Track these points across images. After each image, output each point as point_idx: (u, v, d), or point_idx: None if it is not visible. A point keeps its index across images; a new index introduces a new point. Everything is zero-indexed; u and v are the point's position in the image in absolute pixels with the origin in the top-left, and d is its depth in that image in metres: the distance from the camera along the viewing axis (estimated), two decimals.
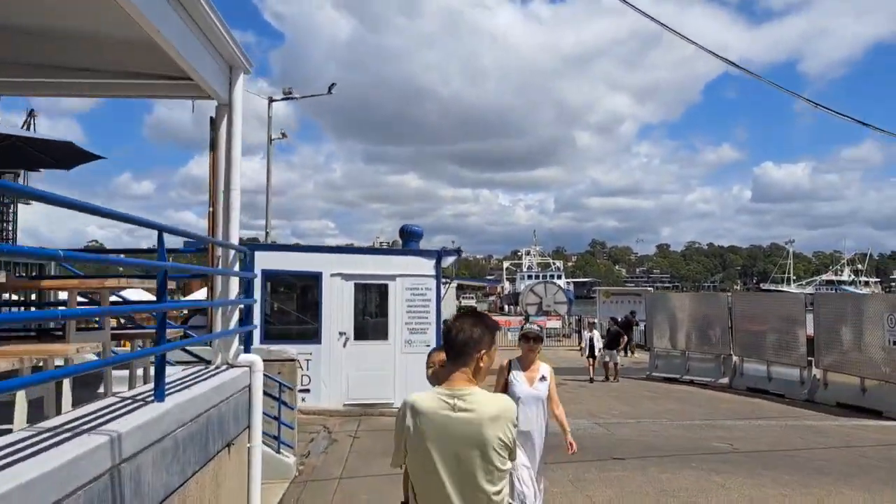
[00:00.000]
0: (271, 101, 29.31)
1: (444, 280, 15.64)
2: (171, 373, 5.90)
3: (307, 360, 14.13)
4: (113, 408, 4.10)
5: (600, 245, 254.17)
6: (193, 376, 5.72)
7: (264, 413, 9.29)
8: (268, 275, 14.13)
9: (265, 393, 9.32)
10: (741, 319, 20.43)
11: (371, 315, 15.07)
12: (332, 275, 14.33)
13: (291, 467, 9.23)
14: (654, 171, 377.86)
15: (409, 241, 15.30)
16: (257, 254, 14.20)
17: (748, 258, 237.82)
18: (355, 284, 14.51)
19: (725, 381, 20.52)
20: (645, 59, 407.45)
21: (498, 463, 2.91)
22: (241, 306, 6.79)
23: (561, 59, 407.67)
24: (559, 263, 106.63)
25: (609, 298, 33.01)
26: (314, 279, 14.34)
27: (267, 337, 14.07)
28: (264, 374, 9.24)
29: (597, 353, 21.34)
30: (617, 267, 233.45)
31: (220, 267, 6.51)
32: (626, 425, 13.62)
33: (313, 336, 14.27)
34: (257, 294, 14.21)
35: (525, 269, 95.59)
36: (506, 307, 72.33)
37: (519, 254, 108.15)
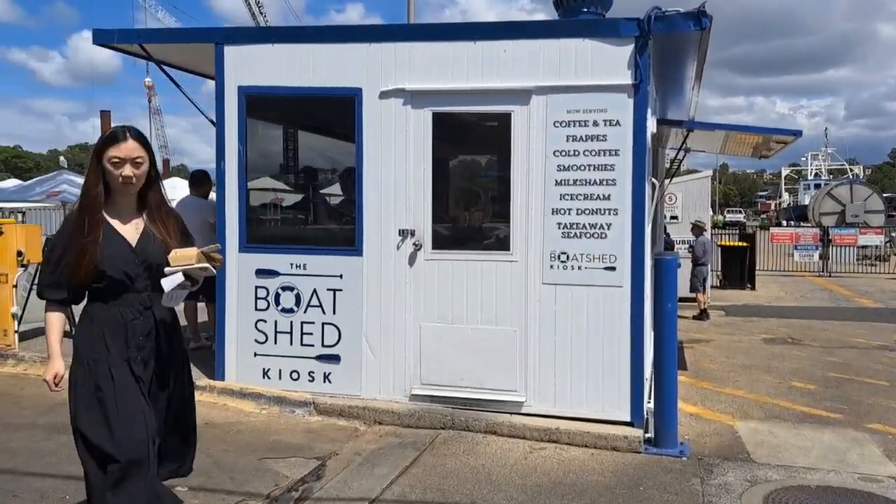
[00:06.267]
0: None
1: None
2: None
3: (333, 292, 6.31)
4: None
5: None
6: None
7: None
8: (251, 98, 6.35)
9: None
10: None
11: (471, 194, 6.66)
12: (385, 93, 6.15)
13: None
14: None
15: (572, 9, 6.49)
16: (229, 52, 6.47)
17: None
18: (435, 116, 6.16)
19: None
20: None
21: None
22: None
23: None
24: (857, 170, 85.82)
25: None
26: (342, 108, 6.26)
27: (249, 240, 6.45)
28: None
29: None
30: None
31: None
32: None
33: (345, 241, 6.36)
34: (232, 139, 6.63)
35: (811, 178, 77.76)
36: (784, 223, 57.83)
37: (803, 160, 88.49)
